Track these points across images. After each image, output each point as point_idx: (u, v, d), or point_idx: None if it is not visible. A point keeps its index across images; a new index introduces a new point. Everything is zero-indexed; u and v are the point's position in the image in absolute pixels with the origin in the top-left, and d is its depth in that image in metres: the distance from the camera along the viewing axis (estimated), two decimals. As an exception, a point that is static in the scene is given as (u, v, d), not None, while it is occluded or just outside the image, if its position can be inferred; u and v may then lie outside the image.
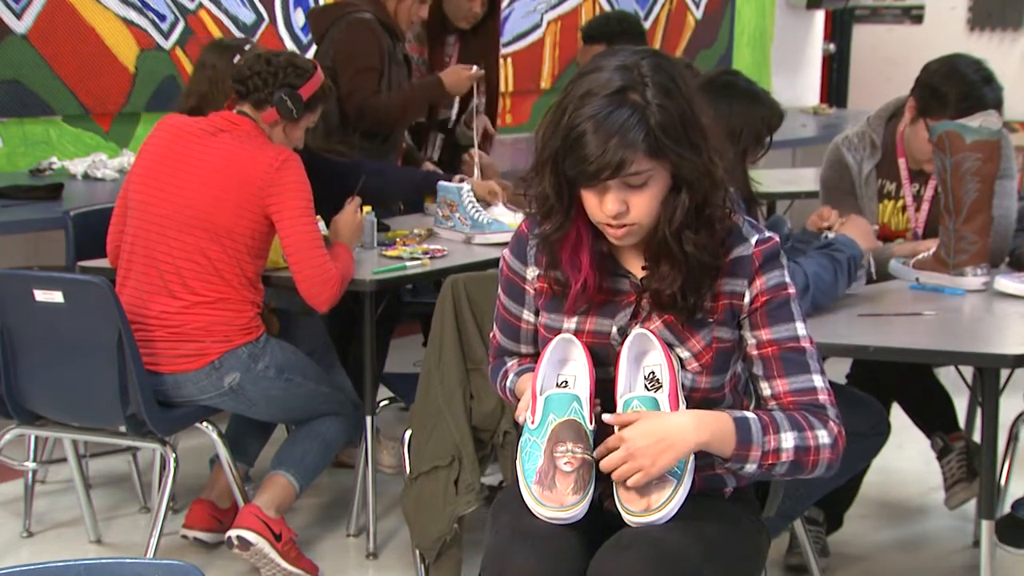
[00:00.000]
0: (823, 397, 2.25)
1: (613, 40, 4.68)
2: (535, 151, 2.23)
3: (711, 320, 2.26)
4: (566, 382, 2.28)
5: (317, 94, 3.69)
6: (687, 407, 2.22)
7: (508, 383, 2.47)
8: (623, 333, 2.28)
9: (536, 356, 2.40)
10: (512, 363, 2.48)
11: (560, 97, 2.19)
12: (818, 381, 2.26)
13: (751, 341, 2.28)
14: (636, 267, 2.30)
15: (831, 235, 3.34)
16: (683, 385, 2.25)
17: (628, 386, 2.24)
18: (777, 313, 2.25)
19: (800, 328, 2.26)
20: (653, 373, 2.25)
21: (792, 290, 2.27)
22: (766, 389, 2.28)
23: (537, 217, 2.28)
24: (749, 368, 2.32)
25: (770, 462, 2.20)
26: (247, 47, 3.94)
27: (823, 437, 2.22)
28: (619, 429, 2.16)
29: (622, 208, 2.16)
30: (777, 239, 2.28)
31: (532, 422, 2.23)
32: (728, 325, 2.27)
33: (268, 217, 3.53)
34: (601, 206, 2.17)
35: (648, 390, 2.24)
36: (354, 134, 4.50)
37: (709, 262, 2.21)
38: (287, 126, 3.66)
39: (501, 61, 5.24)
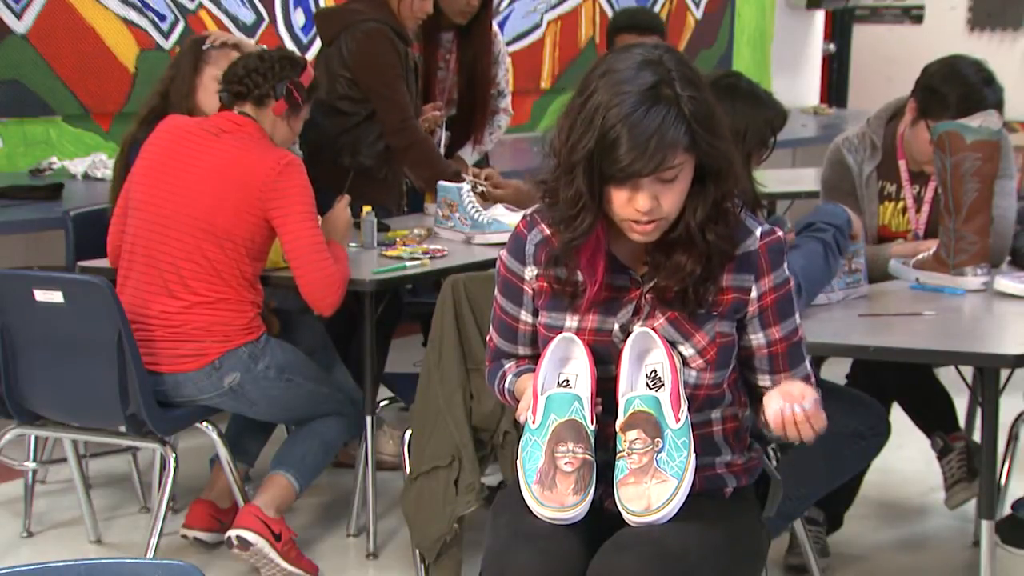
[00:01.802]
0: (813, 379, 2.35)
1: (644, 31, 4.88)
2: (561, 153, 2.19)
3: (714, 314, 2.27)
4: (567, 381, 2.28)
5: (312, 84, 3.73)
6: (690, 406, 2.22)
7: (507, 384, 2.46)
8: (625, 331, 2.28)
9: (534, 358, 2.39)
10: (510, 365, 2.48)
11: (582, 97, 2.16)
12: (809, 365, 2.38)
13: (761, 340, 2.30)
14: (636, 263, 2.30)
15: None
16: (685, 383, 2.25)
17: (630, 385, 2.24)
18: (785, 309, 2.31)
19: (798, 318, 2.34)
20: (655, 372, 2.25)
21: (792, 282, 2.32)
22: (766, 381, 2.32)
23: (558, 218, 2.24)
24: (748, 364, 2.34)
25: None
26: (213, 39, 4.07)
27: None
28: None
29: (654, 204, 2.16)
30: (779, 233, 2.29)
31: (533, 422, 2.23)
32: (729, 319, 2.28)
33: (269, 221, 3.53)
34: (632, 203, 2.16)
35: (650, 389, 2.24)
36: (367, 139, 4.47)
37: (728, 251, 2.24)
38: (291, 118, 3.69)
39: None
